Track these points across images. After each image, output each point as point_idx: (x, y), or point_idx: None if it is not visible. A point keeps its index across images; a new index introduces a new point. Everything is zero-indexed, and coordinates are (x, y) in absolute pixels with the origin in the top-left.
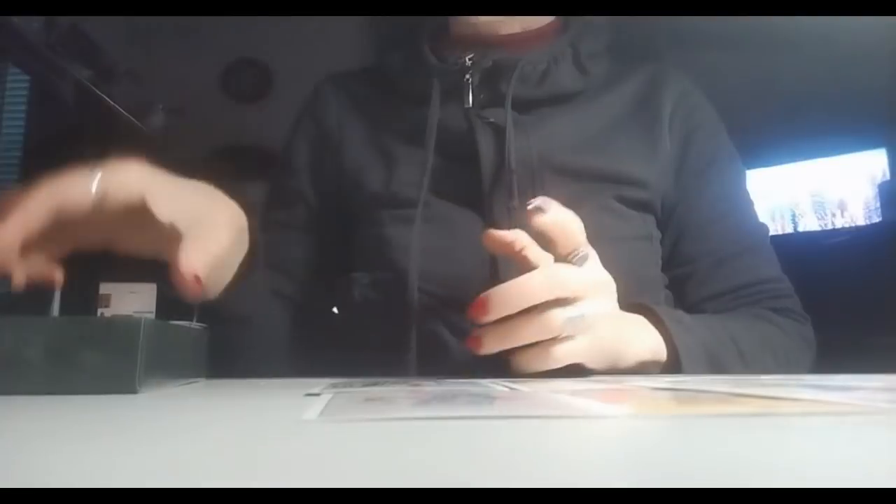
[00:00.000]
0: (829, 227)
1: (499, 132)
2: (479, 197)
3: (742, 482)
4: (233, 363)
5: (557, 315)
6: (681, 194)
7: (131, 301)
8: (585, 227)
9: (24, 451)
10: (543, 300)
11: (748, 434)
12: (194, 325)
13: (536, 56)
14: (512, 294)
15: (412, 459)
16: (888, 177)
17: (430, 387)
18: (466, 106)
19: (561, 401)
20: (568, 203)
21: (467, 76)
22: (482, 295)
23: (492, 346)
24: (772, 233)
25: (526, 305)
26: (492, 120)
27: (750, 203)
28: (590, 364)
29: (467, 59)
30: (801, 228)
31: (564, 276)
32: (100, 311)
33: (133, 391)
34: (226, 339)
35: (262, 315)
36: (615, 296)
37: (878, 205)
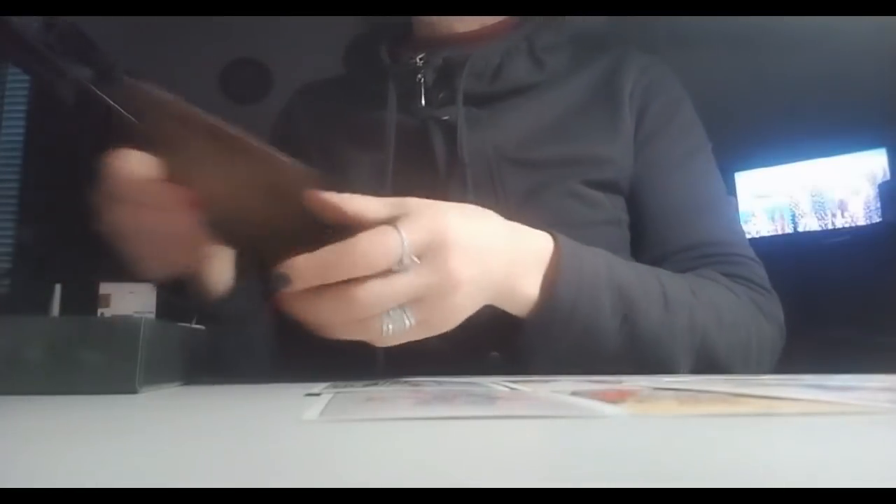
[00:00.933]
0: (829, 227)
1: (452, 129)
2: (436, 195)
3: (742, 482)
4: (225, 364)
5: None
6: (636, 159)
7: (131, 301)
8: (551, 215)
9: (24, 451)
10: (347, 276)
11: (748, 434)
12: (194, 325)
13: (489, 51)
14: (310, 266)
15: (412, 459)
16: (888, 177)
17: (430, 387)
18: (419, 105)
19: (561, 401)
20: (530, 193)
21: (419, 75)
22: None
23: (299, 313)
24: (772, 233)
25: (322, 282)
26: (445, 117)
27: (709, 169)
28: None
29: (418, 59)
30: (801, 228)
31: (363, 248)
32: (100, 311)
33: (133, 391)
34: (221, 340)
35: (256, 314)
36: (465, 250)
37: (878, 205)
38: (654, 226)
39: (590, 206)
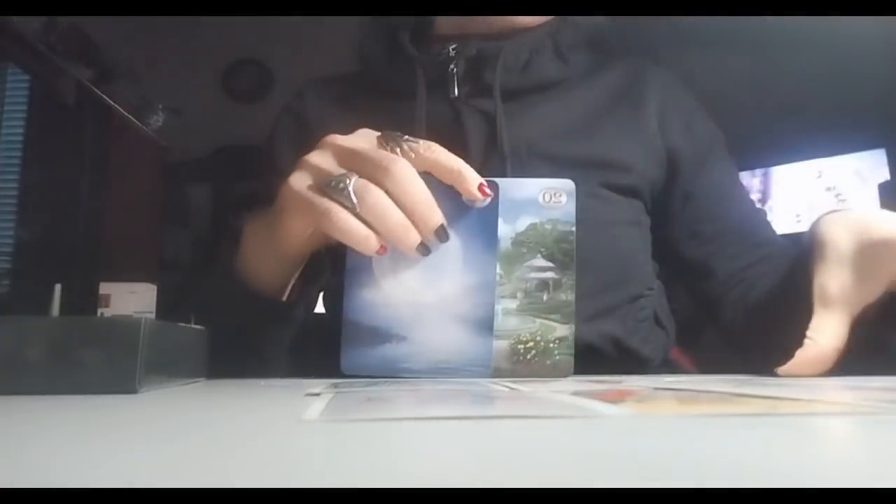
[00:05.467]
0: None
1: (487, 120)
2: None
3: (742, 482)
4: (251, 361)
5: None
6: (691, 181)
7: (131, 301)
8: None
9: (24, 451)
10: None
11: (748, 434)
12: (194, 325)
13: (518, 45)
14: None
15: (412, 459)
16: (888, 177)
17: (430, 386)
18: (452, 96)
19: (561, 401)
20: None
21: (452, 66)
22: None
23: None
24: None
25: None
26: (480, 108)
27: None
28: None
29: (451, 50)
30: (801, 229)
31: None
32: (100, 311)
33: (133, 391)
34: (265, 337)
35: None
36: None
37: (879, 205)
38: (729, 241)
39: (610, 207)
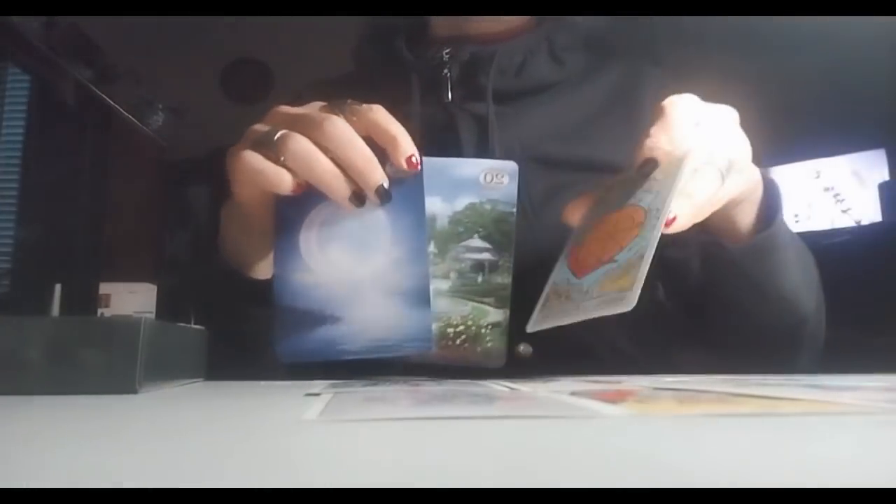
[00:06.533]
0: (829, 227)
1: (480, 124)
2: None
3: (742, 482)
4: (248, 358)
5: None
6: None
7: (131, 301)
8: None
9: (24, 451)
10: None
11: (748, 434)
12: (194, 325)
13: (512, 48)
14: None
15: (412, 459)
16: (888, 177)
17: (430, 387)
18: (446, 100)
19: (561, 401)
20: (550, 193)
21: (445, 70)
22: None
23: None
24: None
25: None
26: (473, 112)
27: None
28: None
29: (444, 54)
30: (801, 228)
31: None
32: (100, 311)
33: (133, 391)
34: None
35: None
36: None
37: (879, 205)
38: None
39: None
